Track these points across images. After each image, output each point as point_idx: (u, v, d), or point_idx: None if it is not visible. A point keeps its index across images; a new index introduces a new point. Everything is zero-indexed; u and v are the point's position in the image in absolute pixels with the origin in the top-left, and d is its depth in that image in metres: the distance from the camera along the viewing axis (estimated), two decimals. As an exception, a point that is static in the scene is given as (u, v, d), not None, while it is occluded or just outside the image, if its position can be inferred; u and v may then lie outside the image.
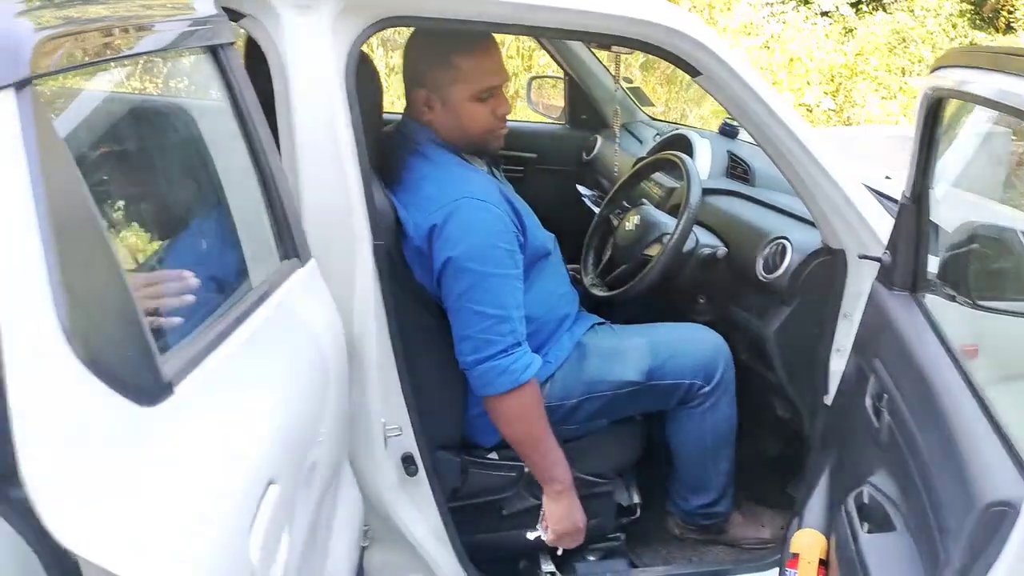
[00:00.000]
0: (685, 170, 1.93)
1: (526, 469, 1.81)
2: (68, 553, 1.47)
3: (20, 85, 0.75)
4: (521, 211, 1.72)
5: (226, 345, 1.02)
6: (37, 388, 0.67)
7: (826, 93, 8.15)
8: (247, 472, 0.92)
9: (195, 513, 0.80)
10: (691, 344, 1.86)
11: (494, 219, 1.61)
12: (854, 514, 1.33)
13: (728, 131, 2.35)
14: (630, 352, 1.80)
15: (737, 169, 2.22)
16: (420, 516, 1.69)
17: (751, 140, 2.37)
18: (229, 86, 1.33)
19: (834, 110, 8.00)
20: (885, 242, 1.66)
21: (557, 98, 2.97)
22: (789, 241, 1.80)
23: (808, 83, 8.09)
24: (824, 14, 8.83)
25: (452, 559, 1.73)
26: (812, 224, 1.81)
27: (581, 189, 2.64)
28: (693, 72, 1.62)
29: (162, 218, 1.28)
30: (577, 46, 2.64)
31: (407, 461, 1.65)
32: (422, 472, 1.67)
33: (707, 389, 1.84)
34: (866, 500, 1.35)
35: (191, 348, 0.96)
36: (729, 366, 1.86)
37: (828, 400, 1.80)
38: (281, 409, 1.11)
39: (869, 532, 1.31)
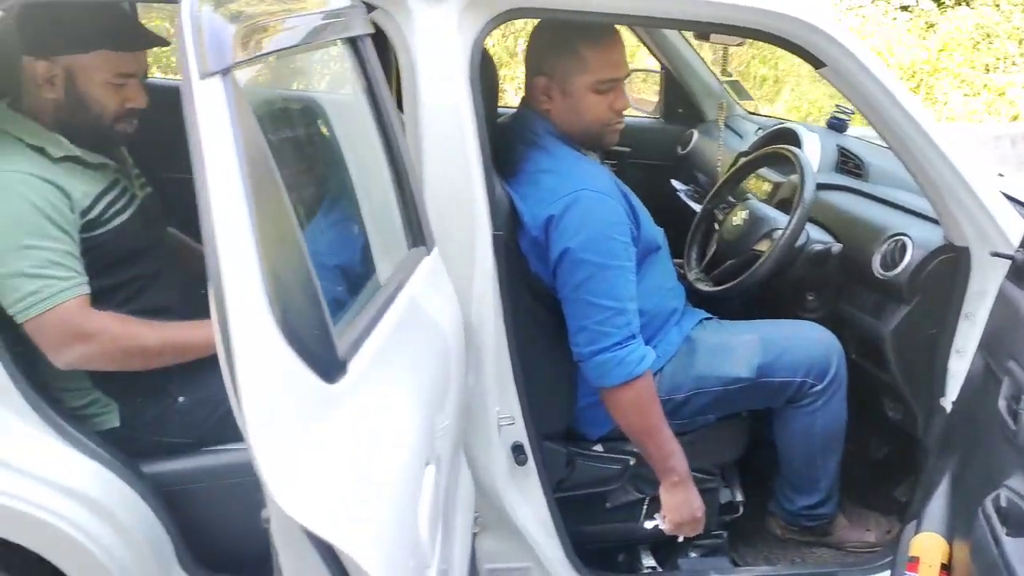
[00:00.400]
0: (799, 164, 1.90)
1: (631, 462, 1.80)
2: (197, 528, 1.51)
3: (225, 72, 0.78)
4: (635, 204, 1.72)
5: (379, 328, 1.05)
6: (254, 360, 0.69)
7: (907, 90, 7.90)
8: (411, 452, 0.94)
9: (375, 488, 0.83)
10: (803, 341, 1.82)
11: (611, 211, 1.61)
12: (994, 517, 1.29)
13: (836, 125, 2.30)
14: (740, 348, 1.78)
15: (848, 164, 2.17)
16: (528, 505, 1.70)
17: (859, 135, 2.34)
18: (367, 76, 1.36)
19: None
20: (1013, 239, 1.61)
21: (649, 92, 2.94)
22: (909, 238, 1.76)
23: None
24: (904, 8, 8.57)
25: (559, 549, 1.74)
26: (931, 220, 1.77)
27: (676, 184, 2.62)
28: (817, 64, 1.59)
29: (318, 202, 1.31)
30: (676, 40, 2.61)
31: (517, 450, 1.66)
32: (531, 462, 1.68)
33: (819, 388, 1.80)
34: (1003, 503, 1.31)
35: (353, 329, 0.98)
36: (842, 364, 1.83)
37: (945, 402, 1.75)
38: (425, 397, 1.13)
39: (1008, 536, 1.27)
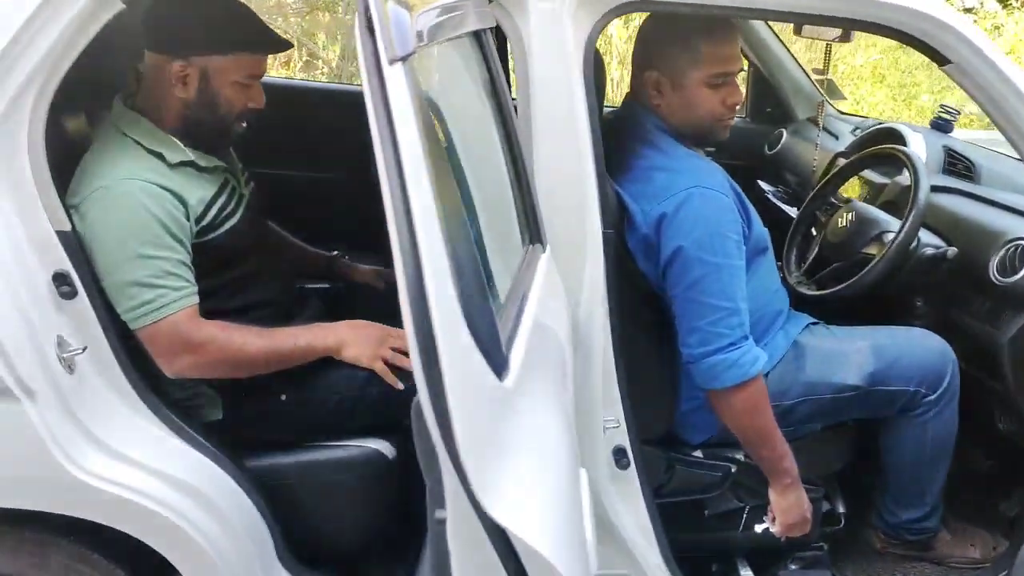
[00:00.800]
0: (911, 165, 1.83)
1: (733, 469, 1.76)
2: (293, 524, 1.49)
3: (406, 58, 0.76)
4: (746, 202, 1.67)
5: (522, 325, 1.02)
6: (453, 355, 0.67)
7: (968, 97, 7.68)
8: (570, 454, 0.91)
9: (553, 490, 0.80)
10: (917, 349, 1.76)
11: (724, 208, 1.57)
12: None
13: (941, 125, 2.22)
14: (852, 355, 1.72)
15: (958, 166, 2.09)
16: (629, 511, 1.66)
17: (964, 137, 2.25)
18: (489, 69, 1.34)
19: (977, 115, 7.54)
20: None
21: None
22: (1030, 243, 1.68)
23: (949, 87, 7.66)
24: (967, 11, 8.33)
25: (658, 557, 1.70)
26: (1052, 225, 1.69)
27: (763, 185, 2.56)
28: (942, 60, 1.53)
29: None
30: (768, 36, 2.55)
31: (619, 454, 1.62)
32: (633, 466, 1.64)
33: (932, 398, 1.73)
34: None
35: (504, 324, 0.95)
36: (956, 373, 1.76)
37: (1066, 416, 1.67)
38: (561, 399, 1.10)
39: None
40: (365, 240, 2.41)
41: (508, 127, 1.35)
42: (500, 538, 0.69)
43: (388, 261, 2.31)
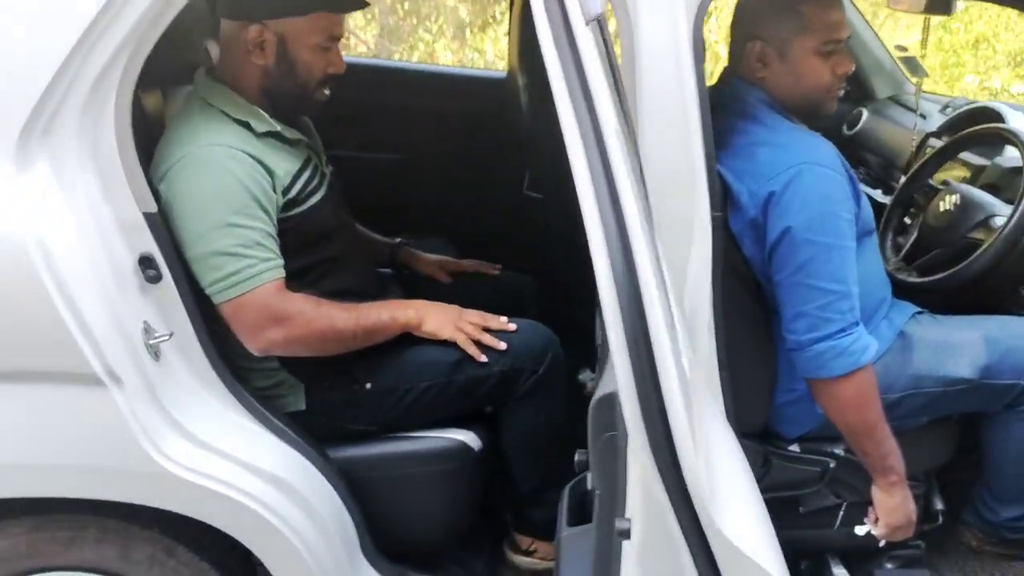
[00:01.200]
0: (1022, 146, 1.73)
1: (831, 465, 1.68)
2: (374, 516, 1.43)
3: (591, 20, 0.69)
4: (855, 180, 1.58)
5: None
6: (664, 342, 0.60)
7: (1017, 76, 7.50)
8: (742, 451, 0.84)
9: (748, 489, 0.73)
10: (1029, 340, 1.66)
11: (836, 186, 1.48)
12: None
13: (1043, 104, 2.11)
14: (964, 346, 1.63)
15: (1065, 147, 1.98)
16: (726, 507, 1.59)
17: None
18: (605, 41, 1.26)
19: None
20: None
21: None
22: None
23: (995, 67, 7.47)
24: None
25: (755, 555, 1.63)
26: None
27: (841, 167, 2.45)
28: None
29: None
30: (850, 12, 2.43)
31: (716, 448, 1.55)
32: (730, 460, 1.57)
33: (1044, 392, 1.64)
34: None
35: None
36: (1069, 366, 1.66)
37: None
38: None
39: None
40: (424, 225, 2.35)
41: (622, 102, 1.27)
42: (703, 550, 0.62)
43: (446, 248, 2.23)
